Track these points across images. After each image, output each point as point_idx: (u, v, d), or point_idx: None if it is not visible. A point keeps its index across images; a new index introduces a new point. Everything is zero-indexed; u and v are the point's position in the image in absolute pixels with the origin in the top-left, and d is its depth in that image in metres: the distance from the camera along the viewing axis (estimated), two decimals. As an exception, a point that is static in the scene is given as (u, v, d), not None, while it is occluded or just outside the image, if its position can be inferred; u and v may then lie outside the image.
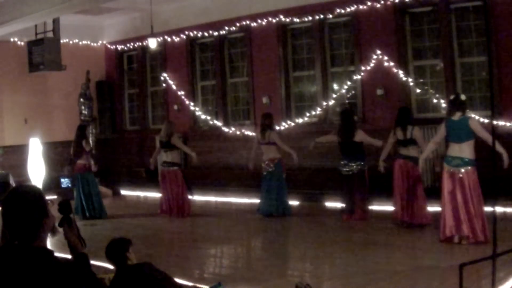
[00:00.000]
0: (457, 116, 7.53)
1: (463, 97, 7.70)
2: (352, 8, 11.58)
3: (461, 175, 7.39)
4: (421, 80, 11.20)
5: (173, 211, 10.89)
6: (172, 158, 10.88)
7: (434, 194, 8.67)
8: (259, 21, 12.94)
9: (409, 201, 8.69)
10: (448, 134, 7.62)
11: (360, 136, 9.56)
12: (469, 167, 7.38)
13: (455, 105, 7.59)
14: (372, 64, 11.43)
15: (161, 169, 11.11)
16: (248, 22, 13.13)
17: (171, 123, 11.28)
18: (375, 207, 10.13)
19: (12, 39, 13.49)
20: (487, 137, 7.24)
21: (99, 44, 16.02)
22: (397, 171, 8.82)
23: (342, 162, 9.68)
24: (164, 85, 14.94)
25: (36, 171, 13.64)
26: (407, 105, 11.07)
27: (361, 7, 11.45)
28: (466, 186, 7.36)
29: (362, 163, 9.59)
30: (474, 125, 7.42)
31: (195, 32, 14.05)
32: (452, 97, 7.90)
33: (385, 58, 11.23)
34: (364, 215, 9.59)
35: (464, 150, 7.41)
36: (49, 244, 2.81)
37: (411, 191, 8.69)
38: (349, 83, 11.86)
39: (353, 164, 9.57)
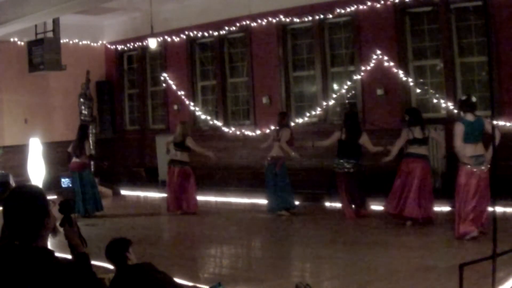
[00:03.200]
0: (470, 117, 7.63)
1: (474, 98, 7.84)
2: (352, 8, 11.58)
3: (484, 172, 7.60)
4: (421, 80, 11.20)
5: (182, 208, 10.99)
6: (183, 158, 11.06)
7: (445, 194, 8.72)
8: (259, 21, 12.94)
9: (421, 197, 8.72)
10: (465, 135, 7.67)
11: (364, 139, 9.76)
12: (488, 165, 7.63)
13: (468, 106, 7.69)
14: (372, 64, 11.43)
15: (170, 168, 11.21)
16: (248, 22, 13.13)
17: (186, 123, 11.51)
18: (375, 207, 10.13)
19: (12, 39, 13.49)
20: (499, 136, 7.35)
21: (99, 44, 16.02)
22: (406, 169, 8.84)
23: (340, 161, 9.74)
24: (164, 85, 14.94)
25: (36, 171, 13.64)
26: (407, 105, 11.09)
27: (361, 7, 11.44)
28: (487, 181, 7.59)
29: (359, 162, 9.76)
30: (488, 127, 7.56)
31: (195, 32, 14.04)
32: (464, 97, 7.98)
33: (385, 58, 11.22)
34: (364, 212, 9.69)
35: (480, 148, 7.64)
36: (49, 244, 2.81)
37: (422, 188, 8.72)
38: (349, 83, 11.86)
39: (350, 162, 9.68)
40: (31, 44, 11.63)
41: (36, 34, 11.56)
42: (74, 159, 11.22)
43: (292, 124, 12.37)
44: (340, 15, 11.84)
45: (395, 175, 9.02)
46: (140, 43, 15.06)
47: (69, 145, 11.50)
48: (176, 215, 11.05)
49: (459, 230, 7.60)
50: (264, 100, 13.00)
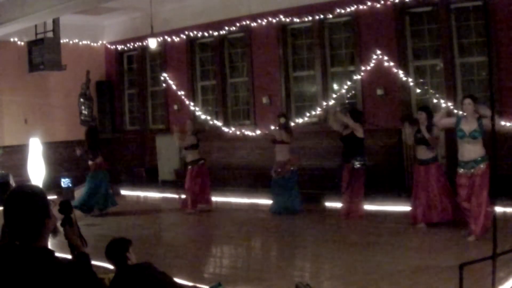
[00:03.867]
0: None
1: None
2: (352, 8, 11.59)
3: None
4: (421, 80, 11.20)
5: (197, 204, 11.18)
6: (197, 155, 11.21)
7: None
8: (259, 21, 12.94)
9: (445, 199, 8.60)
10: None
11: None
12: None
13: None
14: (372, 64, 11.43)
15: (189, 168, 11.31)
16: (248, 22, 13.13)
17: (192, 121, 11.69)
18: (374, 206, 10.14)
19: (12, 39, 13.49)
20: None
21: (99, 44, 16.02)
22: (421, 176, 8.76)
23: (363, 158, 9.77)
24: (164, 85, 14.94)
25: (36, 171, 13.63)
26: (408, 105, 11.10)
27: (361, 7, 11.45)
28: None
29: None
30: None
31: (195, 32, 14.05)
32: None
33: (385, 58, 11.23)
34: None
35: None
36: (49, 244, 2.81)
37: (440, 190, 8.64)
38: (349, 83, 11.86)
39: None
40: (31, 44, 11.62)
41: (36, 34, 11.55)
42: (98, 160, 11.44)
43: (292, 124, 12.39)
44: (340, 15, 11.84)
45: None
46: (140, 43, 15.06)
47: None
48: (177, 215, 11.06)
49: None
50: (264, 100, 13.00)
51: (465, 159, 7.71)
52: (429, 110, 8.92)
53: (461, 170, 7.75)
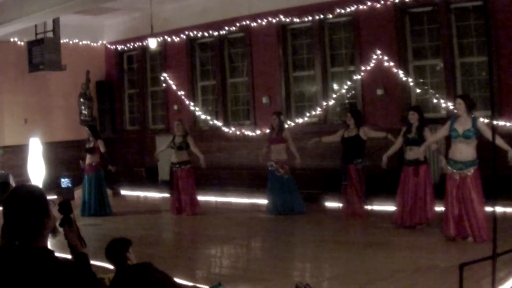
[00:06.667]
0: None
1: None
2: (352, 8, 11.59)
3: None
4: (421, 80, 11.20)
5: (184, 210, 10.96)
6: (184, 157, 11.01)
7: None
8: (259, 21, 12.94)
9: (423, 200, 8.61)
10: None
11: None
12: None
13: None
14: (372, 64, 11.43)
15: (173, 171, 11.17)
16: (248, 22, 13.13)
17: (183, 121, 11.50)
18: (374, 207, 10.14)
19: (12, 39, 13.49)
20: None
21: (99, 44, 16.02)
22: (409, 177, 8.76)
23: (365, 159, 9.85)
24: (164, 85, 14.94)
25: (36, 171, 13.64)
26: (407, 105, 11.09)
27: (361, 7, 11.45)
28: None
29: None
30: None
31: (195, 32, 14.05)
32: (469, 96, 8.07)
33: (385, 58, 11.23)
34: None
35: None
36: (49, 244, 2.81)
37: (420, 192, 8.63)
38: (349, 83, 11.86)
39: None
40: (31, 44, 11.61)
41: (36, 34, 11.54)
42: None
43: (292, 124, 12.39)
44: (340, 15, 11.84)
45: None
46: (140, 43, 15.06)
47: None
48: (176, 215, 11.05)
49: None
50: (264, 100, 13.00)
51: (454, 158, 7.63)
52: (421, 110, 8.94)
53: (449, 169, 7.70)
